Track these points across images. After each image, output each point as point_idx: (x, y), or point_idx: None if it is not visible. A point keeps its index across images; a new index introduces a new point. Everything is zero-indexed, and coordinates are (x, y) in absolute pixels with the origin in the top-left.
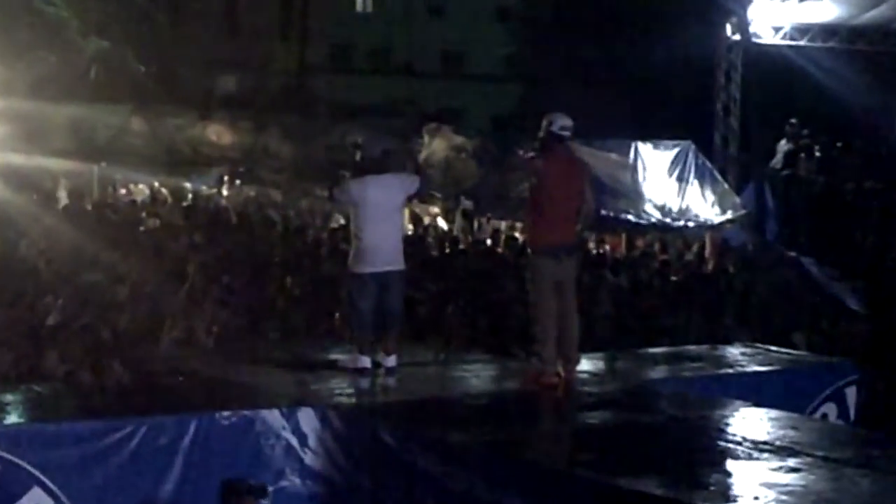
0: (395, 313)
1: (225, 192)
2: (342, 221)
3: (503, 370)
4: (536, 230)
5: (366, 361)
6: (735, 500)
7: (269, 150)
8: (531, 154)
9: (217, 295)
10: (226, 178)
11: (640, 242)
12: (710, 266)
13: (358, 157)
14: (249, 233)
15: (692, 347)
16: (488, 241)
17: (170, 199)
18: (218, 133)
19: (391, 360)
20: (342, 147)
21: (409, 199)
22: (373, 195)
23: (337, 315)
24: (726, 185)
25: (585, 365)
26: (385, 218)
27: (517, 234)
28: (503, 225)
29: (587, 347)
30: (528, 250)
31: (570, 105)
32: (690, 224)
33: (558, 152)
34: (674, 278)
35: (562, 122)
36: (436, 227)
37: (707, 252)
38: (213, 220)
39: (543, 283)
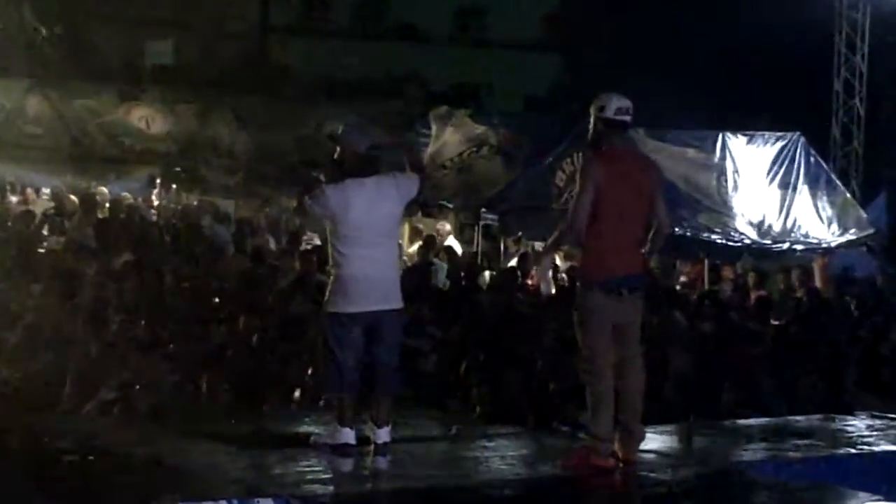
0: (388, 368)
1: (155, 201)
2: (317, 241)
3: (539, 448)
4: (588, 257)
5: (348, 436)
6: None
7: (217, 142)
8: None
9: (146, 342)
10: (157, 181)
11: (728, 273)
12: (823, 305)
13: (336, 153)
14: (189, 257)
15: (799, 418)
16: (519, 271)
17: (79, 210)
18: (147, 119)
19: (383, 434)
20: (317, 139)
21: (409, 208)
22: (358, 207)
23: (309, 371)
24: (848, 195)
25: (652, 442)
26: (375, 238)
27: (560, 262)
28: (540, 248)
29: (655, 417)
30: (577, 284)
31: (628, 83)
32: (798, 247)
33: (616, 148)
34: (775, 322)
35: (618, 104)
36: (447, 250)
37: (818, 284)
38: (140, 239)
39: (597, 329)
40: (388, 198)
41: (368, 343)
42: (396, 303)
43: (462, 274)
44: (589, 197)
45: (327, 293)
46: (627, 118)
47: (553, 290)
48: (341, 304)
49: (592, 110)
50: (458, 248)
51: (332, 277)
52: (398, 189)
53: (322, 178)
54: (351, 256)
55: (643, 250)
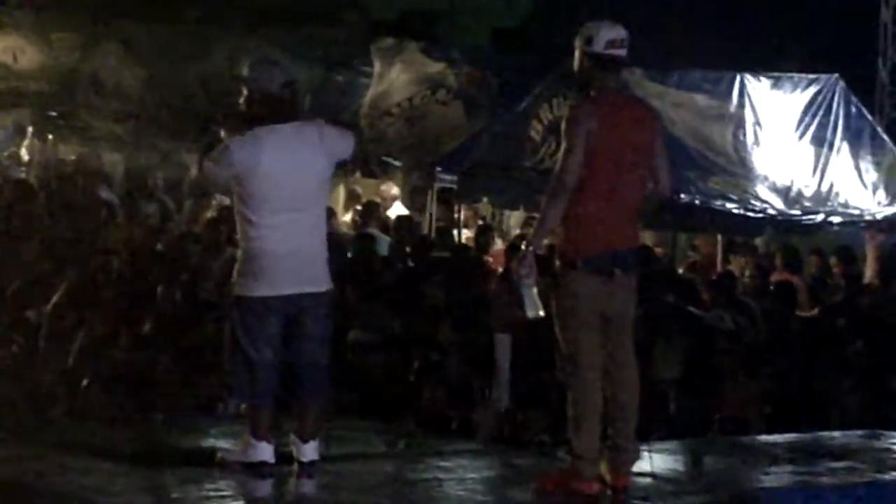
0: (314, 367)
1: (25, 154)
2: (227, 203)
3: (506, 469)
4: (573, 228)
5: (264, 452)
6: None
7: (101, 80)
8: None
9: (7, 327)
10: (29, 129)
11: (734, 255)
12: (869, 292)
13: (243, 96)
14: (67, 223)
15: (835, 434)
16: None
17: None
18: (15, 51)
19: (309, 451)
20: (229, 77)
21: (342, 167)
22: (271, 160)
23: (217, 371)
24: None
25: (648, 462)
26: (294, 201)
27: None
28: (511, 219)
29: (654, 432)
30: (557, 263)
31: (623, 11)
32: (835, 220)
33: (609, 92)
34: (804, 314)
35: (610, 35)
36: (399, 220)
37: (868, 269)
38: (6, 199)
39: (583, 320)
40: (310, 149)
41: (288, 336)
42: (323, 284)
43: (410, 249)
44: (579, 154)
45: (234, 272)
46: (622, 53)
47: (542, 312)
48: (252, 286)
49: (578, 43)
50: (407, 215)
51: (240, 253)
52: (323, 139)
53: (222, 133)
54: (263, 226)
55: (639, 222)
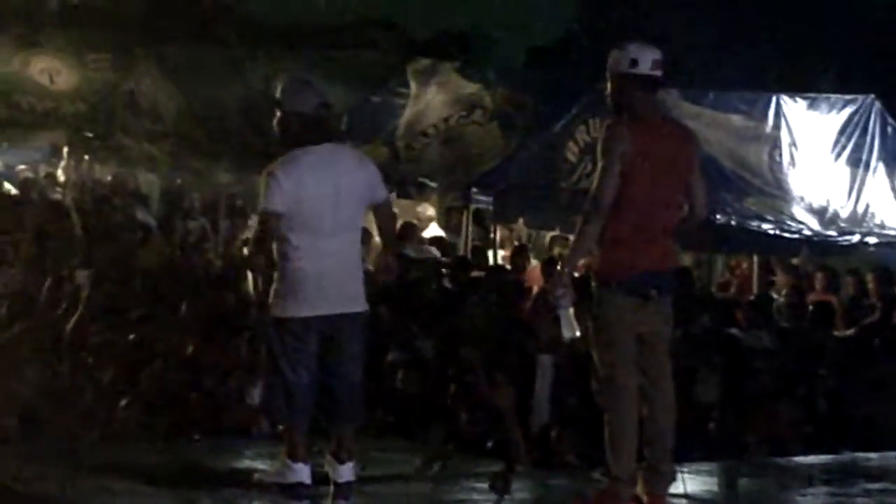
0: (350, 388)
1: (61, 175)
2: None
3: (541, 490)
4: (609, 249)
5: (301, 473)
6: None
7: (137, 101)
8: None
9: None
10: (64, 149)
11: (782, 273)
12: None
13: (276, 118)
14: (104, 245)
15: (871, 455)
16: (513, 265)
17: None
18: (51, 72)
19: (346, 472)
20: (266, 101)
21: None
22: (312, 182)
23: (253, 391)
24: None
25: (686, 484)
26: (334, 224)
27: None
28: (546, 238)
29: (691, 453)
30: (593, 283)
31: (658, 31)
32: (871, 240)
33: (647, 114)
34: (840, 334)
35: (648, 57)
36: (435, 241)
37: None
38: (41, 222)
39: (619, 341)
40: (349, 170)
41: (324, 356)
42: (360, 305)
43: (446, 270)
44: (615, 175)
45: (272, 294)
46: (660, 73)
47: (577, 332)
48: (292, 307)
49: (618, 65)
50: (443, 236)
51: (278, 274)
52: (360, 162)
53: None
54: (304, 247)
55: (676, 244)
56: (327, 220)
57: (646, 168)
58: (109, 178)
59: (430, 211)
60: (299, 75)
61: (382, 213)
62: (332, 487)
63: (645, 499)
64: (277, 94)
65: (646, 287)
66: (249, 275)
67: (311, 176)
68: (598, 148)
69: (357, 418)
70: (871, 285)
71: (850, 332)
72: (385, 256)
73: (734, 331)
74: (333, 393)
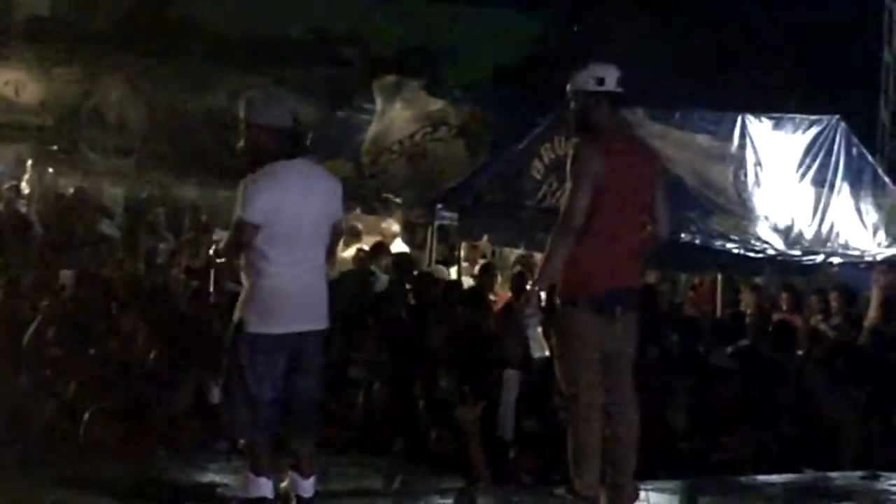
0: (311, 403)
1: (26, 188)
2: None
3: None
4: (574, 267)
5: (264, 488)
6: None
7: (103, 115)
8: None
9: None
10: (29, 162)
11: (747, 292)
12: (868, 332)
13: (243, 135)
14: (69, 257)
15: (834, 475)
16: (480, 283)
17: None
18: (16, 84)
19: (308, 486)
20: (232, 115)
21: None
22: (290, 197)
23: (214, 390)
24: None
25: (650, 501)
26: (305, 239)
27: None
28: (511, 257)
29: (655, 471)
30: (557, 300)
31: (624, 50)
32: (835, 260)
33: (610, 132)
34: (802, 353)
35: (613, 75)
36: (397, 258)
37: (872, 310)
38: (2, 233)
39: (583, 358)
40: (322, 187)
41: (288, 371)
42: (324, 322)
43: (409, 286)
44: (586, 195)
45: (239, 308)
46: (621, 91)
47: (547, 352)
48: (265, 323)
49: (582, 84)
50: (407, 251)
51: (251, 289)
52: (329, 179)
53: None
54: (282, 263)
55: (639, 262)
56: (304, 236)
57: (613, 187)
58: (72, 190)
59: (395, 227)
60: (266, 91)
61: (336, 229)
62: (293, 502)
63: None
64: (243, 110)
65: (611, 305)
66: (212, 273)
67: (290, 190)
68: (569, 167)
69: (316, 432)
70: (833, 303)
71: (808, 351)
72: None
73: (699, 349)
74: (295, 408)
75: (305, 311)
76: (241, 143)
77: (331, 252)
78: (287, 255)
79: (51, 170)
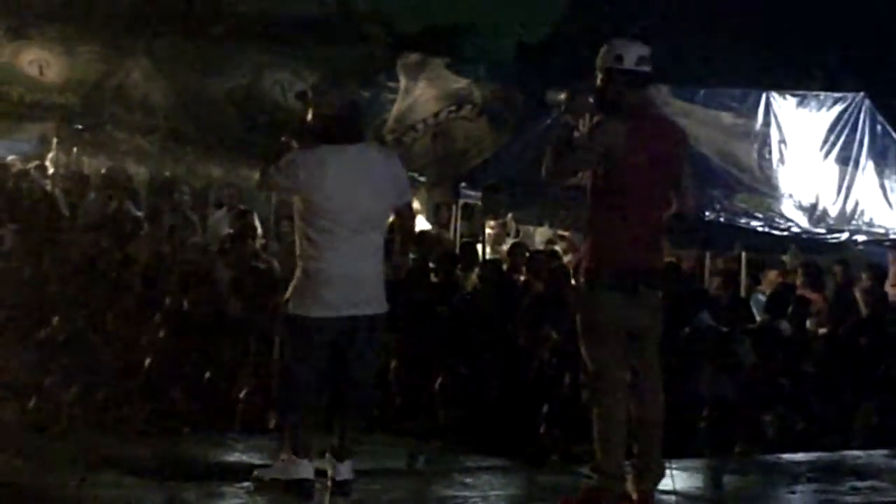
0: (361, 388)
1: (50, 166)
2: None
3: (531, 486)
4: (597, 245)
5: (305, 469)
6: None
7: (127, 94)
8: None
9: (39, 343)
10: (54, 140)
11: (771, 270)
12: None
13: (309, 114)
14: (94, 237)
15: (859, 454)
16: (506, 263)
17: None
18: (41, 63)
19: (344, 470)
20: (254, 91)
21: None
22: (336, 180)
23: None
24: None
25: (675, 480)
26: (359, 224)
27: (560, 250)
28: (536, 234)
29: (679, 450)
30: (581, 279)
31: (650, 27)
32: (860, 238)
33: (635, 109)
34: (823, 331)
35: (639, 52)
36: (419, 236)
37: (892, 286)
38: (29, 213)
39: (608, 337)
40: (376, 171)
41: (338, 355)
42: (378, 306)
43: (432, 266)
44: (593, 156)
45: (290, 290)
46: (649, 69)
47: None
48: (306, 305)
49: (604, 61)
50: (431, 230)
51: (298, 271)
52: (389, 166)
53: (293, 143)
54: (325, 246)
55: (663, 240)
56: (350, 221)
57: (636, 165)
58: (98, 170)
59: (417, 205)
60: (325, 76)
61: (404, 214)
62: (329, 484)
63: (634, 495)
64: (309, 92)
65: (633, 283)
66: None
67: (335, 172)
68: (587, 131)
69: (363, 417)
70: (865, 283)
71: (830, 329)
72: (397, 257)
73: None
74: (344, 392)
75: (355, 295)
76: (308, 121)
77: (407, 234)
78: (331, 239)
79: (75, 149)
